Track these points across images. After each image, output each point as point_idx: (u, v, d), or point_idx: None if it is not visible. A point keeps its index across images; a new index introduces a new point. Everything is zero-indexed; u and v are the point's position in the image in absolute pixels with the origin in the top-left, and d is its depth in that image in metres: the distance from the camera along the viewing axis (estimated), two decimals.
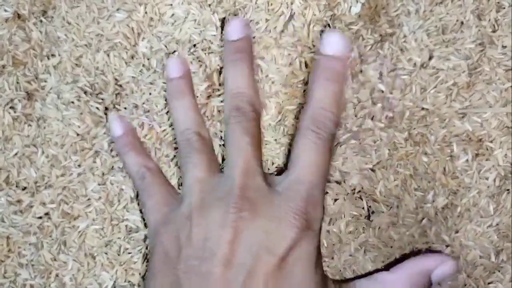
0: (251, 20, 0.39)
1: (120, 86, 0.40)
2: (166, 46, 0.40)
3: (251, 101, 0.31)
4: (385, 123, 0.40)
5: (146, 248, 0.39)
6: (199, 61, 0.40)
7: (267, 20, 0.39)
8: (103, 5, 0.41)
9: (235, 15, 0.39)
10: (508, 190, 0.40)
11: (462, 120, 0.41)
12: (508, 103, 0.40)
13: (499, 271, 0.41)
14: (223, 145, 0.37)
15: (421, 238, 0.40)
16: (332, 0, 0.40)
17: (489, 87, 0.41)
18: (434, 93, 0.41)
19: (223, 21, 0.40)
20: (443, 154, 0.40)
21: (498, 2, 0.42)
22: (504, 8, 0.41)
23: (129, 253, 0.39)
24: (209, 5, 0.40)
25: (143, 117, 0.40)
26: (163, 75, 0.40)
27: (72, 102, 0.40)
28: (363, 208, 0.38)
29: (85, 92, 0.41)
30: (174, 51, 0.40)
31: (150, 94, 0.40)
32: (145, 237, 0.39)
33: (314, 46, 0.39)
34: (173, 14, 0.40)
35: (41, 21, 0.41)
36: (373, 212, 0.39)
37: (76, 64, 0.41)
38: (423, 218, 0.40)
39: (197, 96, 0.39)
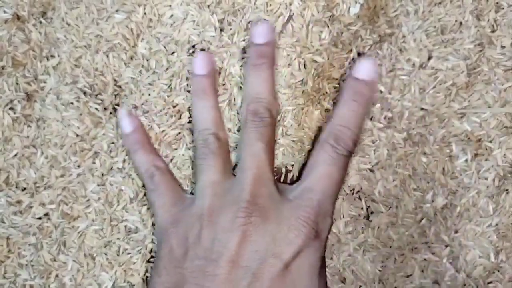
0: (250, 21, 0.39)
1: (119, 87, 0.40)
2: (165, 47, 0.40)
3: (269, 107, 0.32)
4: (384, 123, 0.40)
5: (146, 248, 0.39)
6: None
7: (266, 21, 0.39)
8: (102, 6, 0.41)
9: (234, 16, 0.40)
10: (507, 190, 0.40)
11: (461, 120, 0.41)
12: (507, 103, 0.40)
13: (498, 271, 0.41)
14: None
15: (420, 238, 0.40)
16: (330, 1, 0.40)
17: (488, 87, 0.41)
18: (433, 93, 0.41)
19: (222, 22, 0.40)
20: (442, 154, 0.40)
21: (497, 3, 0.42)
22: (503, 8, 0.41)
23: (129, 253, 0.39)
24: (208, 6, 0.40)
25: (142, 117, 0.40)
26: (162, 76, 0.40)
27: (72, 103, 0.40)
28: (362, 208, 0.38)
29: (85, 93, 0.41)
30: (173, 52, 0.40)
31: (149, 95, 0.40)
32: (144, 238, 0.39)
33: (313, 46, 0.39)
34: (172, 15, 0.40)
35: (40, 22, 0.41)
36: (372, 212, 0.39)
37: (76, 65, 0.41)
38: (422, 218, 0.40)
39: None
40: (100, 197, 0.40)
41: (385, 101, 0.41)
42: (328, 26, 0.39)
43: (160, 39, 0.40)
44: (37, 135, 0.41)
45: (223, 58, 0.40)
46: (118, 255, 0.39)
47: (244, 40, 0.39)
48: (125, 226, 0.39)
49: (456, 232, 0.41)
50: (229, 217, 0.29)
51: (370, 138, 0.39)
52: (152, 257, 0.39)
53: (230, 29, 0.40)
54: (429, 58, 0.42)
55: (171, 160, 0.39)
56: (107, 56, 0.40)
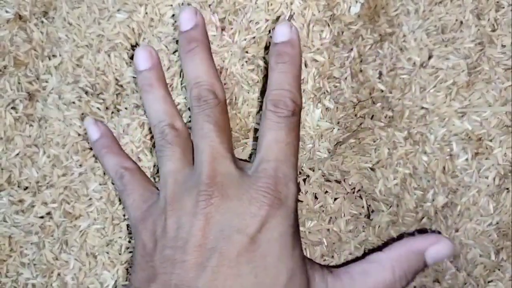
0: (251, 21, 0.40)
1: (121, 86, 0.40)
2: (166, 47, 0.40)
3: (212, 89, 0.31)
4: (385, 122, 0.40)
5: None
6: None
7: (267, 20, 0.39)
8: (103, 6, 0.41)
9: (235, 16, 0.40)
10: (507, 188, 0.40)
11: (462, 119, 0.41)
12: (508, 102, 0.40)
13: (499, 269, 0.41)
14: None
15: None
16: (331, 0, 0.40)
17: (488, 86, 0.41)
18: (434, 92, 0.41)
19: (222, 22, 0.40)
20: (442, 153, 0.41)
21: (498, 2, 0.42)
22: (504, 7, 0.42)
23: (130, 252, 0.40)
24: (209, 5, 0.40)
25: (143, 117, 0.40)
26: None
27: (73, 102, 0.41)
28: (363, 207, 0.38)
29: (86, 93, 0.41)
30: (175, 51, 0.40)
31: None
32: None
33: (313, 45, 0.39)
34: (173, 15, 0.40)
35: (42, 22, 0.42)
36: (373, 211, 0.39)
37: (77, 65, 0.41)
38: (423, 217, 0.40)
39: None
40: (102, 196, 0.40)
41: (385, 100, 0.41)
42: (328, 25, 0.39)
43: (162, 38, 0.40)
44: (39, 134, 0.41)
45: (224, 58, 0.40)
46: (120, 254, 0.40)
47: (245, 40, 0.39)
48: (127, 225, 0.39)
49: (456, 231, 0.41)
50: (191, 203, 0.29)
51: (370, 137, 0.39)
52: None
53: (231, 28, 0.40)
54: (430, 57, 0.42)
55: None
56: (109, 55, 0.41)
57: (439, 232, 0.40)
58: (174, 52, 0.40)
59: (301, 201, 0.38)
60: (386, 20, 0.42)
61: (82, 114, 0.40)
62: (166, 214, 0.30)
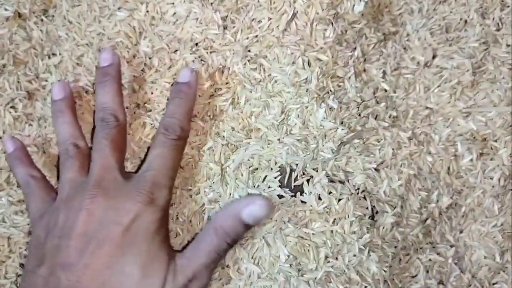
0: (253, 19, 0.39)
1: (122, 85, 0.40)
2: (167, 45, 0.39)
3: (114, 113, 0.37)
4: (389, 122, 0.40)
5: None
6: (201, 60, 0.39)
7: (269, 18, 0.39)
8: (104, 4, 0.40)
9: (237, 13, 0.39)
10: None
11: (467, 119, 0.40)
12: None
13: (503, 271, 0.40)
14: None
15: (425, 238, 0.40)
16: None
17: (493, 86, 0.41)
18: (438, 92, 0.41)
19: (225, 20, 0.39)
20: (447, 153, 0.40)
21: (502, 1, 0.41)
22: (509, 6, 0.41)
23: None
24: (211, 3, 0.39)
25: (144, 116, 0.39)
26: (165, 74, 0.39)
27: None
28: (367, 208, 0.38)
29: (86, 92, 0.40)
30: (176, 50, 0.39)
31: (152, 93, 0.40)
32: None
33: (317, 44, 0.39)
34: (174, 13, 0.40)
35: (42, 20, 0.41)
36: (377, 212, 0.38)
37: (77, 63, 0.40)
38: (427, 218, 0.40)
39: (199, 96, 0.39)
40: None
41: (389, 100, 0.41)
42: (332, 24, 0.39)
43: (163, 37, 0.40)
44: (38, 133, 0.41)
45: (226, 57, 0.39)
46: None
47: (247, 38, 0.39)
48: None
49: (461, 232, 0.40)
50: (78, 202, 0.35)
51: (375, 137, 0.39)
52: None
53: (234, 27, 0.39)
54: (434, 56, 0.41)
55: None
56: None
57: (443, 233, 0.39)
58: (175, 51, 0.40)
59: (305, 202, 0.37)
60: (389, 19, 0.42)
61: (82, 113, 0.40)
62: (58, 211, 0.35)
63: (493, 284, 0.40)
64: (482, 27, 0.41)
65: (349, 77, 0.39)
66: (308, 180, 0.38)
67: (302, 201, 0.37)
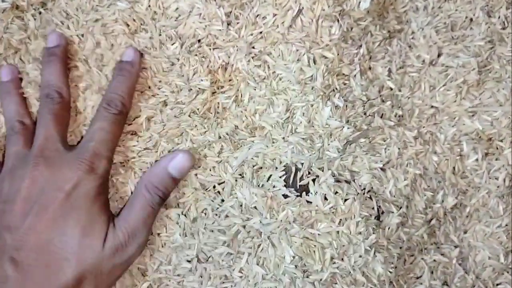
0: (258, 15, 0.38)
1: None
2: (170, 38, 0.39)
3: (58, 90, 0.39)
4: (395, 121, 0.39)
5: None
6: (203, 57, 0.38)
7: (274, 15, 0.38)
8: None
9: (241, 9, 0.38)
10: None
11: (472, 118, 0.40)
12: None
13: (508, 272, 0.40)
14: None
15: (430, 239, 0.39)
16: None
17: (499, 85, 0.40)
18: (444, 91, 0.40)
19: (228, 16, 0.38)
20: (452, 153, 0.40)
21: None
22: None
23: None
24: None
25: (144, 103, 0.39)
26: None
27: None
28: (373, 208, 0.37)
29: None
30: (175, 44, 0.39)
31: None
32: None
33: (322, 41, 0.38)
34: (177, 8, 0.39)
35: (40, 13, 0.40)
36: (383, 212, 0.38)
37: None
38: (432, 218, 0.39)
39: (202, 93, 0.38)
40: None
41: (395, 98, 0.40)
42: (338, 20, 0.38)
43: (165, 31, 0.39)
44: None
45: (230, 53, 0.38)
46: None
47: (252, 35, 0.38)
48: None
49: (465, 232, 0.40)
50: (22, 170, 0.37)
51: (381, 136, 0.38)
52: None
53: (237, 23, 0.38)
54: (439, 55, 0.41)
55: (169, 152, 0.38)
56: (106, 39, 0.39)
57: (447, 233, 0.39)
58: (173, 44, 0.39)
59: (310, 202, 0.36)
60: (394, 17, 0.41)
61: None
62: (4, 179, 0.37)
63: (497, 285, 0.40)
64: (488, 26, 0.41)
65: (355, 75, 0.39)
66: (313, 180, 0.37)
67: (307, 201, 0.37)
